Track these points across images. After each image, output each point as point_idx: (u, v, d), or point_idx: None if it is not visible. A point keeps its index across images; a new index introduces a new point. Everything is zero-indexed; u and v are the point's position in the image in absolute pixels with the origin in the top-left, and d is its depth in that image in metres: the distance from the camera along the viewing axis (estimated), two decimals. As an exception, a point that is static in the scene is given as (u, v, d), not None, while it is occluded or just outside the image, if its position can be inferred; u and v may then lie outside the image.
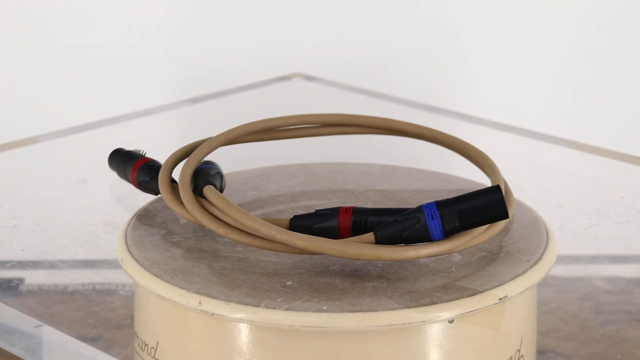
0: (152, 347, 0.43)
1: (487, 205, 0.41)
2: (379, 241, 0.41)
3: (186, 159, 0.48)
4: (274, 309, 0.40)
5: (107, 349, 0.50)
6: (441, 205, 0.41)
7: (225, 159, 0.51)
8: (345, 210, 0.43)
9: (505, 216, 0.41)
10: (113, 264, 0.55)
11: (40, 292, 0.54)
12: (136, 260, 0.43)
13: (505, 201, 0.42)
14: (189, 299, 0.41)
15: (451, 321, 0.40)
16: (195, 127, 0.77)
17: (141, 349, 0.44)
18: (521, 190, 0.51)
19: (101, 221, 0.60)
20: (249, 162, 0.55)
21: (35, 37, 0.90)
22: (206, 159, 0.49)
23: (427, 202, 0.41)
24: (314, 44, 1.01)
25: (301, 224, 0.43)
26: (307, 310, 0.39)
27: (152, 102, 0.79)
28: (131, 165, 0.51)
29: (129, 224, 0.47)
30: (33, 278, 0.55)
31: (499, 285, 0.41)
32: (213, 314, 0.40)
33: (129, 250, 0.44)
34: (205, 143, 0.49)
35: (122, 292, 0.54)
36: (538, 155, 0.73)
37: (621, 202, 0.65)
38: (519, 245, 0.44)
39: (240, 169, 0.53)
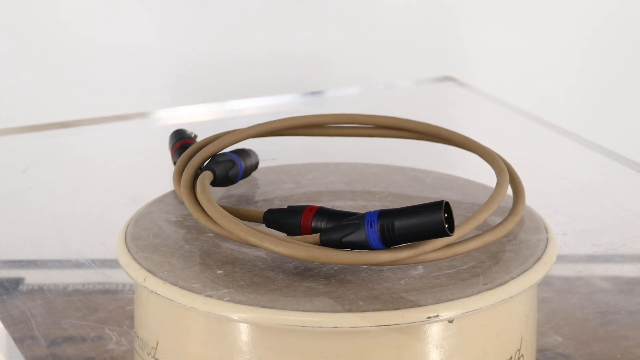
0: (152, 347, 0.43)
1: (426, 222, 0.40)
2: (322, 243, 0.41)
3: (210, 143, 0.49)
4: (275, 309, 0.40)
5: (107, 349, 0.50)
6: (383, 214, 0.40)
7: (305, 150, 0.52)
8: (310, 209, 0.43)
9: (444, 234, 0.40)
10: (113, 264, 0.55)
11: (40, 292, 0.54)
12: (136, 260, 0.43)
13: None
14: (189, 299, 0.41)
15: (451, 321, 0.40)
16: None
17: (141, 348, 0.44)
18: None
19: (101, 220, 0.60)
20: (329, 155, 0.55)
21: (37, 34, 0.90)
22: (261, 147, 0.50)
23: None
24: (473, 49, 0.99)
25: (272, 217, 0.44)
26: (307, 310, 0.39)
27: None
28: (172, 145, 0.52)
29: (129, 224, 0.47)
30: (33, 278, 0.55)
31: (498, 285, 0.41)
32: (213, 314, 0.40)
33: (128, 250, 0.44)
34: (237, 131, 0.50)
35: (122, 292, 0.54)
36: (537, 153, 0.73)
37: (621, 201, 0.65)
38: (519, 245, 0.44)
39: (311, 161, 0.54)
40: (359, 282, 0.41)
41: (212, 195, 0.45)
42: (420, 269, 0.42)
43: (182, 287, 0.41)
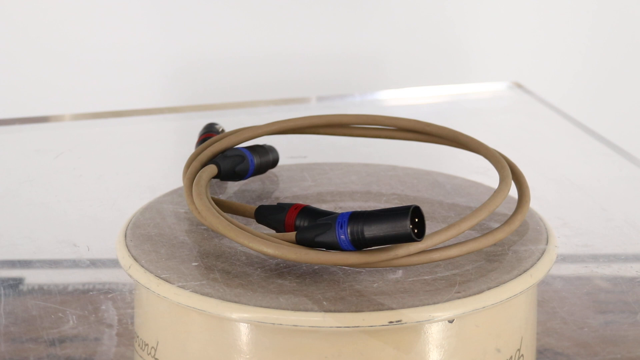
0: (152, 347, 0.43)
1: (393, 227, 0.40)
2: (297, 241, 0.41)
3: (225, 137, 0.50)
4: (275, 308, 0.40)
5: (107, 349, 0.50)
6: (354, 217, 0.40)
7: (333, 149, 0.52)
8: (295, 207, 0.43)
9: (410, 240, 0.40)
10: (113, 264, 0.55)
11: (40, 292, 0.54)
12: (136, 259, 0.43)
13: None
14: (190, 299, 0.41)
15: (451, 321, 0.40)
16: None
17: (141, 348, 0.44)
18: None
19: (101, 220, 0.60)
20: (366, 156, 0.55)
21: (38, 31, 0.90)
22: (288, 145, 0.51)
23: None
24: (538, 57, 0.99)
25: (262, 213, 0.45)
26: (307, 310, 0.39)
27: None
28: (198, 137, 0.52)
29: (129, 223, 0.47)
30: (33, 278, 0.55)
31: (498, 285, 0.41)
32: (213, 314, 0.40)
33: (128, 250, 0.44)
34: (254, 127, 0.50)
35: (122, 292, 0.54)
36: (537, 152, 0.73)
37: (621, 200, 0.65)
38: (519, 245, 0.44)
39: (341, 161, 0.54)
40: (331, 282, 0.41)
41: (205, 188, 0.45)
42: (399, 273, 0.42)
43: (182, 287, 0.41)
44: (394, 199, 0.49)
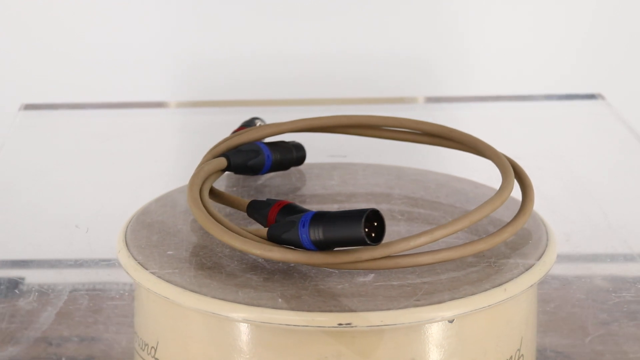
0: (152, 347, 0.43)
1: (348, 229, 0.39)
2: (268, 237, 0.41)
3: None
4: (275, 308, 0.40)
5: (107, 349, 0.50)
6: (316, 217, 0.40)
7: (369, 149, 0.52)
8: (279, 204, 0.43)
9: (364, 243, 0.39)
10: (113, 264, 0.55)
11: (40, 292, 0.54)
12: (136, 259, 0.43)
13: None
14: (190, 299, 0.41)
15: (451, 321, 0.40)
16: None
17: (141, 348, 0.44)
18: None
19: (101, 220, 0.60)
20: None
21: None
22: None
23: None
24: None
25: (251, 207, 0.45)
26: (307, 309, 0.39)
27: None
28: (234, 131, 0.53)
29: (129, 223, 0.47)
30: (33, 278, 0.55)
31: (499, 285, 0.41)
32: (213, 314, 0.40)
33: (128, 250, 0.44)
34: (276, 124, 0.50)
35: (121, 292, 0.54)
36: (537, 151, 0.73)
37: (621, 199, 0.65)
38: (519, 245, 0.44)
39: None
40: (298, 280, 0.41)
41: (202, 179, 0.45)
42: (370, 277, 0.42)
43: (182, 287, 0.41)
44: (404, 203, 0.49)
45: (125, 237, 0.45)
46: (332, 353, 0.40)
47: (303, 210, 0.43)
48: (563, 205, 0.63)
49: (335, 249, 0.40)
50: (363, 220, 0.39)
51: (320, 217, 0.40)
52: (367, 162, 0.54)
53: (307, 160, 0.52)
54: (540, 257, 0.43)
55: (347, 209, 0.41)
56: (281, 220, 0.42)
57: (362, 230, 0.39)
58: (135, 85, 0.88)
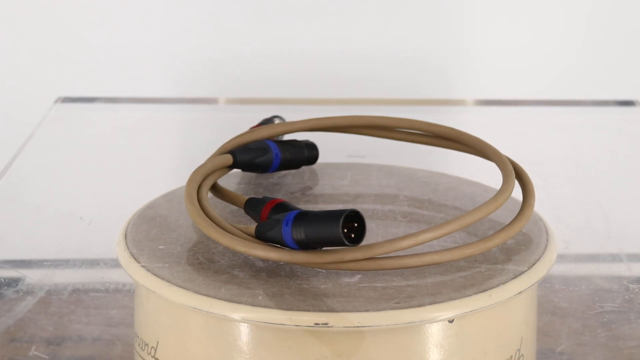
0: (152, 347, 0.43)
1: (327, 229, 0.39)
2: (255, 234, 0.42)
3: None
4: (275, 308, 0.40)
5: (107, 349, 0.50)
6: (300, 216, 0.40)
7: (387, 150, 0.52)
8: (272, 202, 0.44)
9: (342, 244, 0.39)
10: (113, 264, 0.55)
11: (41, 292, 0.54)
12: (136, 259, 0.43)
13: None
14: (190, 299, 0.41)
15: (451, 321, 0.40)
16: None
17: (141, 348, 0.44)
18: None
19: (101, 220, 0.60)
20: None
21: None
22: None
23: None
24: None
25: (248, 204, 0.45)
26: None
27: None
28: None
29: (129, 223, 0.47)
30: (33, 278, 0.55)
31: (499, 285, 0.41)
32: (213, 314, 0.40)
33: (129, 250, 0.44)
34: (288, 123, 0.51)
35: (122, 292, 0.54)
36: (536, 150, 0.73)
37: (622, 199, 0.65)
38: (519, 245, 0.44)
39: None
40: (283, 279, 0.41)
41: (202, 175, 0.46)
42: (356, 278, 0.41)
43: (182, 287, 0.41)
44: (410, 205, 0.49)
45: (126, 230, 0.45)
46: (332, 353, 0.40)
47: (293, 209, 0.43)
48: (568, 212, 0.63)
49: (320, 248, 0.40)
50: (341, 220, 0.39)
51: (303, 217, 0.40)
52: (384, 163, 0.54)
53: (325, 160, 0.52)
54: (532, 265, 0.43)
55: (332, 209, 0.41)
56: (273, 215, 0.42)
57: (340, 231, 0.39)
58: (168, 80, 0.88)
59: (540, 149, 0.73)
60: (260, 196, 0.46)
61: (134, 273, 0.43)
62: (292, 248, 0.40)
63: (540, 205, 0.46)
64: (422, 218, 0.47)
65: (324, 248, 0.40)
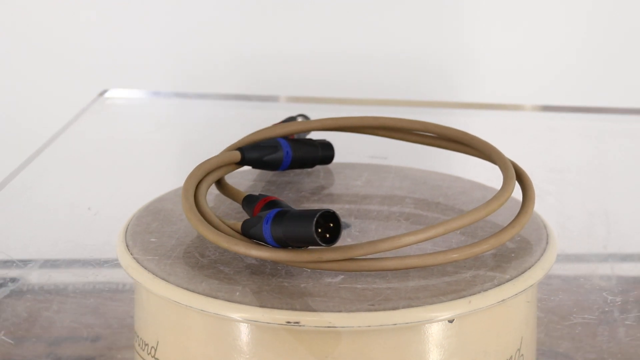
0: (152, 347, 0.43)
1: (301, 229, 0.39)
2: (241, 231, 0.42)
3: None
4: (275, 308, 0.40)
5: (107, 349, 0.50)
6: (279, 214, 0.40)
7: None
8: (265, 199, 0.44)
9: (316, 244, 0.39)
10: (113, 264, 0.55)
11: (40, 292, 0.54)
12: (136, 259, 0.43)
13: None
14: (190, 299, 0.41)
15: (451, 321, 0.40)
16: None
17: (141, 348, 0.44)
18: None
19: (101, 220, 0.60)
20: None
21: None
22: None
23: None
24: None
25: (246, 200, 0.45)
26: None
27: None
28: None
29: (129, 223, 0.47)
30: (33, 278, 0.55)
31: (498, 285, 0.41)
32: (213, 314, 0.40)
33: (129, 250, 0.44)
34: (308, 121, 0.51)
35: (122, 292, 0.54)
36: (535, 149, 0.73)
37: (622, 198, 0.65)
38: (519, 245, 0.44)
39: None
40: (266, 276, 0.41)
41: (204, 170, 0.46)
42: (338, 278, 0.41)
43: (183, 287, 0.41)
44: (417, 208, 0.48)
45: (126, 237, 0.45)
46: (332, 353, 0.40)
47: (280, 207, 0.43)
48: (573, 221, 0.63)
49: (299, 247, 0.40)
50: (315, 220, 0.39)
51: (282, 215, 0.40)
52: (404, 165, 0.53)
53: (346, 160, 0.52)
54: (521, 274, 0.42)
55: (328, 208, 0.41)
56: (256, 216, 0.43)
57: (313, 230, 0.39)
58: (214, 76, 0.89)
59: (564, 156, 0.72)
60: (269, 193, 0.46)
61: (122, 259, 0.44)
62: (272, 246, 0.41)
63: (549, 214, 0.46)
64: (424, 221, 0.47)
65: (304, 247, 0.40)
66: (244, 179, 0.51)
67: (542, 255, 0.44)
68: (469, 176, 0.52)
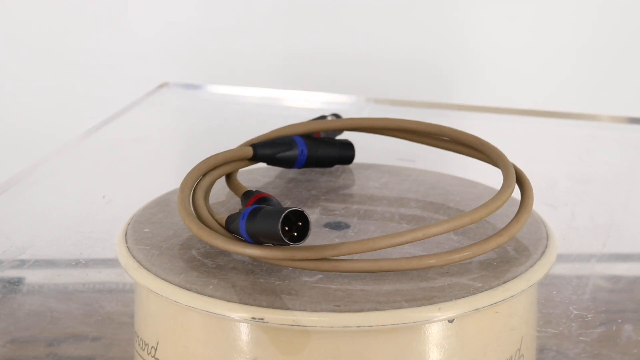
0: (152, 347, 0.43)
1: (268, 226, 0.39)
2: (225, 226, 0.42)
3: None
4: (275, 308, 0.40)
5: (107, 349, 0.50)
6: (255, 210, 0.40)
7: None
8: (257, 196, 0.44)
9: (283, 243, 0.39)
10: (113, 264, 0.55)
11: (40, 292, 0.54)
12: (136, 259, 0.43)
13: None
14: (190, 299, 0.41)
15: (451, 321, 0.40)
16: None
17: (141, 348, 0.44)
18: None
19: (101, 220, 0.60)
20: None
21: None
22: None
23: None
24: None
25: (244, 195, 0.45)
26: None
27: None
28: None
29: (129, 223, 0.47)
30: (33, 278, 0.55)
31: (499, 285, 0.41)
32: (213, 314, 0.40)
33: (128, 250, 0.44)
34: (325, 121, 0.51)
35: (122, 292, 0.54)
36: (535, 150, 0.72)
37: (622, 198, 0.65)
38: (519, 245, 0.44)
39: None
40: (243, 273, 0.41)
41: (207, 165, 0.46)
42: (316, 277, 0.41)
43: (183, 287, 0.41)
44: (423, 210, 0.48)
45: (126, 237, 0.46)
46: (332, 353, 0.40)
47: (263, 204, 0.43)
48: (578, 232, 0.63)
49: (271, 244, 0.41)
50: (281, 218, 0.39)
51: (255, 212, 0.40)
52: (430, 169, 0.53)
53: (370, 161, 0.52)
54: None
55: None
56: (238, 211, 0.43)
57: (278, 228, 0.39)
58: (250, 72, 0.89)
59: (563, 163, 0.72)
60: (284, 190, 0.46)
61: (119, 252, 0.44)
62: (248, 242, 0.41)
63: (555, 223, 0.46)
64: (424, 224, 0.47)
65: (275, 244, 0.41)
66: (263, 175, 0.51)
67: (542, 255, 0.44)
68: (495, 184, 0.51)
